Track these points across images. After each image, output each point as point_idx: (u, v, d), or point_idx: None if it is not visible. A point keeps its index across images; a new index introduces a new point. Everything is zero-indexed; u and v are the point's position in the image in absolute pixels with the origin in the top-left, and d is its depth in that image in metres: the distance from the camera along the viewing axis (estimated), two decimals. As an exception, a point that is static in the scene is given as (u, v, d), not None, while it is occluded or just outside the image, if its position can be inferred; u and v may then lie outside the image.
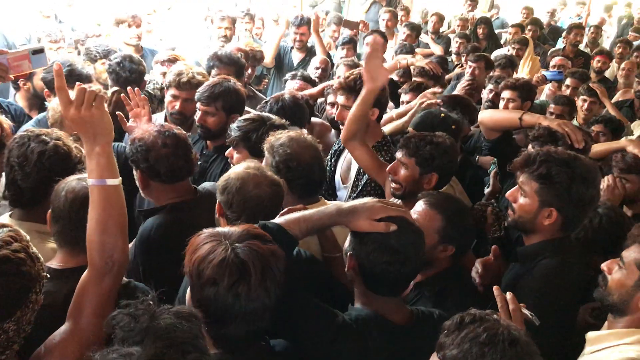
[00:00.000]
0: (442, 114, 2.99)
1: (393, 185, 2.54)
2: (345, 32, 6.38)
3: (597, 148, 3.18)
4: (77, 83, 1.71)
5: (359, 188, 2.97)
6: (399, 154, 2.52)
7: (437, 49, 7.06)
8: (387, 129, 3.32)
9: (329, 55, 5.55)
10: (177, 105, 3.30)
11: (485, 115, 3.28)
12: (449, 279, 2.13)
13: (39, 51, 2.39)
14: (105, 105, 1.79)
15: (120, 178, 1.68)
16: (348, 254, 1.76)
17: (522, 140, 3.24)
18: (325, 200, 2.56)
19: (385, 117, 3.41)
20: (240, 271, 1.48)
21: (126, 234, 1.68)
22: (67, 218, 1.82)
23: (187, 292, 1.59)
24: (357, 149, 2.79)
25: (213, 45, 5.56)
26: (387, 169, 2.56)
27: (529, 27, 7.94)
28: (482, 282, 2.19)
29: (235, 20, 5.70)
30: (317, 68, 4.90)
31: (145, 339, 1.15)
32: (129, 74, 3.64)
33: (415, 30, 6.81)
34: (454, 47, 6.92)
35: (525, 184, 2.10)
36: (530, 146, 2.74)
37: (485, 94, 4.41)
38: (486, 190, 3.56)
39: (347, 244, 1.79)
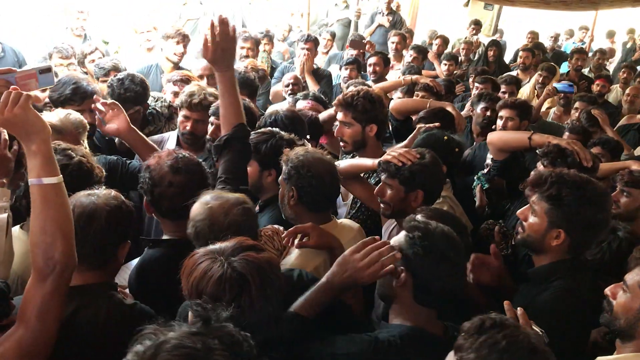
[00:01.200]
0: (445, 137, 2.98)
1: (382, 206, 2.54)
2: (350, 51, 6.48)
3: (601, 167, 3.18)
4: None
5: (358, 204, 3.00)
6: (382, 176, 2.53)
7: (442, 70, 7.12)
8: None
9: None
10: (189, 126, 3.33)
11: (495, 136, 3.30)
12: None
13: (47, 70, 2.41)
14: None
15: (60, 177, 1.63)
16: (399, 268, 1.74)
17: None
18: (337, 221, 2.55)
19: None
20: (240, 285, 1.49)
21: (69, 234, 1.62)
22: None
23: (189, 315, 1.54)
24: (356, 188, 2.85)
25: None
26: (375, 191, 2.56)
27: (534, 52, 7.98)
28: (475, 276, 2.23)
29: (259, 42, 5.78)
30: (287, 85, 4.85)
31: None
32: (124, 91, 3.60)
33: (422, 52, 6.88)
34: (444, 70, 6.99)
35: (536, 203, 2.12)
36: (539, 163, 2.77)
37: (479, 111, 4.37)
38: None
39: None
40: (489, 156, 3.32)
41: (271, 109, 3.86)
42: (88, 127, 2.88)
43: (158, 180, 2.21)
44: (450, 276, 1.73)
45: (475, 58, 8.38)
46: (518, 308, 1.80)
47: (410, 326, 1.76)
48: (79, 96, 3.25)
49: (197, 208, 2.02)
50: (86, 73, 4.02)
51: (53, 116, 2.82)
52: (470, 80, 6.11)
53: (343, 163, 2.88)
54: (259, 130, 2.79)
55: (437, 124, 3.34)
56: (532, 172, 2.52)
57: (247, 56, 5.50)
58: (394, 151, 2.51)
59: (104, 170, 2.40)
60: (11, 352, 1.53)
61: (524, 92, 6.53)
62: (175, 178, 2.21)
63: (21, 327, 1.56)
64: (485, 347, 1.31)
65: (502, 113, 4.03)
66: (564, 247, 2.09)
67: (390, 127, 3.85)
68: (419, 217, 1.87)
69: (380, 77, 5.68)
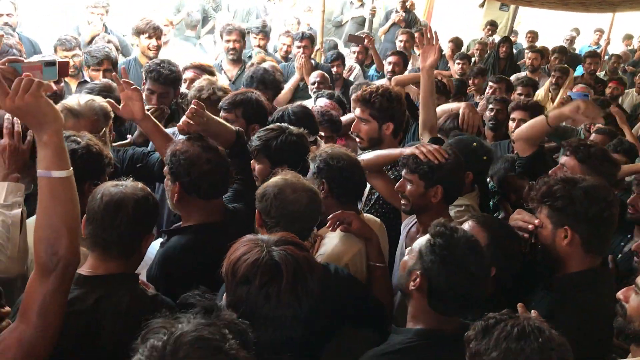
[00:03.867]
0: (475, 143, 2.96)
1: (402, 201, 2.57)
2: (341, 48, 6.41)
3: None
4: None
5: (371, 202, 3.02)
6: (403, 171, 2.56)
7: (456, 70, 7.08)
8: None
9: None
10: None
11: (521, 130, 3.20)
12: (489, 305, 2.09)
13: (51, 64, 2.47)
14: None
15: (70, 170, 1.58)
16: (414, 272, 1.77)
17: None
18: (365, 215, 2.61)
19: None
20: (272, 272, 1.51)
21: (75, 231, 1.58)
22: (99, 220, 1.81)
23: (223, 295, 1.62)
24: (379, 182, 2.85)
25: (222, 57, 5.62)
26: (396, 186, 2.59)
27: (555, 55, 7.97)
28: None
29: (245, 33, 5.62)
30: (313, 83, 4.86)
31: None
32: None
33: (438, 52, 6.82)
34: (457, 68, 6.93)
35: (539, 211, 2.15)
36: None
37: (487, 113, 4.39)
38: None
39: (412, 261, 1.80)
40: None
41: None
42: (112, 116, 2.84)
43: (195, 158, 2.26)
44: (467, 287, 1.71)
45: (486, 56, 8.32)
46: (532, 310, 1.80)
47: (422, 329, 1.77)
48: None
49: (276, 177, 2.15)
50: (74, 65, 4.04)
51: (73, 99, 2.81)
52: (470, 81, 6.09)
53: (368, 155, 2.89)
54: (268, 127, 2.79)
55: None
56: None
57: (234, 49, 5.34)
58: (424, 147, 2.52)
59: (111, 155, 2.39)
60: (13, 349, 1.50)
61: (538, 95, 6.49)
62: (210, 155, 2.29)
63: (23, 323, 1.53)
64: (502, 342, 1.38)
65: (515, 115, 4.02)
66: (576, 246, 2.08)
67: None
68: (446, 222, 1.85)
69: (398, 77, 5.66)
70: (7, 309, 1.61)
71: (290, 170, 2.23)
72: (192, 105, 2.44)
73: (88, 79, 4.37)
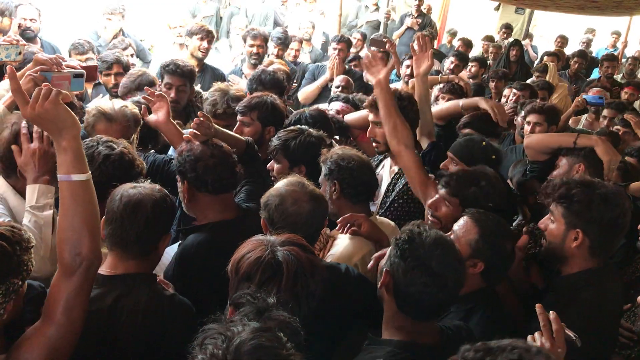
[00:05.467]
0: (484, 142, 2.96)
1: (431, 218, 2.51)
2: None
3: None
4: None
5: (387, 205, 3.03)
6: (442, 191, 2.49)
7: (464, 73, 7.02)
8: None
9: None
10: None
11: (533, 140, 3.22)
12: (479, 300, 2.11)
13: (80, 75, 2.57)
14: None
15: (89, 174, 1.64)
16: (385, 269, 1.73)
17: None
18: (377, 217, 2.64)
19: None
20: (273, 270, 1.54)
21: (96, 231, 1.64)
22: (119, 220, 1.86)
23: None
24: (404, 156, 2.77)
25: (238, 60, 5.69)
26: (429, 203, 2.53)
27: (574, 59, 7.94)
28: None
29: (268, 39, 5.70)
30: (337, 87, 4.92)
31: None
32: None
33: (464, 59, 6.81)
34: (468, 70, 6.86)
35: (553, 209, 2.17)
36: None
37: (520, 120, 4.36)
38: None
39: (384, 259, 1.78)
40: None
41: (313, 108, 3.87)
42: (141, 122, 2.92)
43: (200, 154, 2.34)
44: (431, 288, 1.63)
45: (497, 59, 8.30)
46: (550, 312, 1.78)
47: (395, 340, 1.70)
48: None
49: (281, 182, 2.17)
50: None
51: (107, 103, 2.89)
52: (492, 84, 6.07)
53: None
54: (288, 129, 2.86)
55: None
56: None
57: (257, 53, 5.38)
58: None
59: (144, 163, 2.46)
60: (37, 347, 1.54)
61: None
62: (214, 151, 2.36)
63: (47, 322, 1.57)
64: None
65: (530, 118, 4.01)
66: (584, 249, 2.11)
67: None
68: (421, 223, 1.81)
69: (414, 79, 5.67)
70: None
71: (296, 175, 2.25)
72: (198, 117, 2.50)
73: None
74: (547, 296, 2.23)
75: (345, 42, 5.90)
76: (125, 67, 4.39)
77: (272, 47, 5.69)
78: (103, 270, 1.86)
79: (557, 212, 2.15)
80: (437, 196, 2.50)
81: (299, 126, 2.91)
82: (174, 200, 2.09)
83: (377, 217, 2.71)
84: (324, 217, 2.17)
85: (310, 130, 2.84)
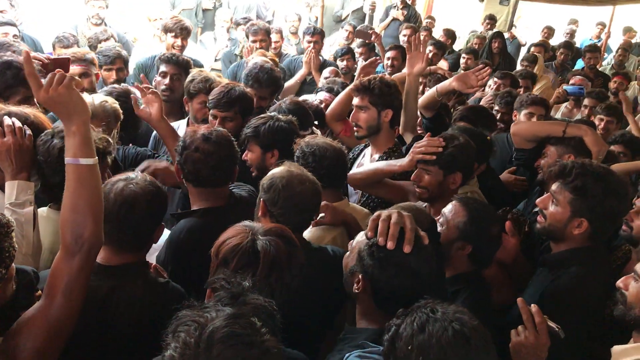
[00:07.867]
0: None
1: (418, 190, 2.61)
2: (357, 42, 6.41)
3: (616, 168, 3.17)
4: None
5: (365, 197, 3.05)
6: (420, 164, 2.59)
7: (444, 64, 7.02)
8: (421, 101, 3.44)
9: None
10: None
11: (522, 127, 3.27)
12: (465, 282, 2.16)
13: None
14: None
15: (96, 158, 1.67)
16: (356, 273, 1.68)
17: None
18: (348, 201, 2.69)
19: None
20: (249, 258, 1.56)
21: (99, 215, 1.66)
22: (115, 220, 1.83)
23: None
24: (380, 191, 2.85)
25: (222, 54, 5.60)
26: (412, 177, 2.62)
27: (560, 50, 8.00)
28: None
29: (270, 32, 5.66)
30: (326, 78, 4.87)
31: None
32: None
33: (442, 48, 6.82)
34: (462, 63, 6.95)
35: (559, 193, 2.19)
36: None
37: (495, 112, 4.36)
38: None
39: (352, 261, 1.71)
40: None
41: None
42: (122, 118, 2.91)
43: (189, 143, 2.35)
44: (412, 286, 1.62)
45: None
46: (532, 305, 1.82)
47: (373, 328, 1.69)
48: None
49: (280, 168, 2.19)
50: (92, 62, 4.08)
51: (87, 98, 2.79)
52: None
53: (363, 169, 2.91)
54: (257, 116, 2.87)
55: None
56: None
57: (260, 48, 5.31)
58: (418, 148, 2.57)
59: (108, 140, 2.37)
60: (39, 325, 1.56)
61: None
62: (203, 145, 2.33)
63: (48, 301, 1.59)
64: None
65: (531, 110, 3.98)
66: (584, 235, 2.17)
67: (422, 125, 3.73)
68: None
69: (397, 71, 5.64)
70: (40, 292, 1.67)
71: (293, 163, 2.27)
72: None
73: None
74: (537, 271, 2.30)
75: (319, 34, 5.81)
76: (126, 62, 4.36)
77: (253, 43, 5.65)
78: (99, 259, 1.83)
79: (564, 197, 2.17)
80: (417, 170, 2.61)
81: (268, 114, 2.92)
82: (165, 190, 2.07)
83: (351, 204, 2.73)
84: (320, 202, 2.20)
85: (279, 115, 2.85)
